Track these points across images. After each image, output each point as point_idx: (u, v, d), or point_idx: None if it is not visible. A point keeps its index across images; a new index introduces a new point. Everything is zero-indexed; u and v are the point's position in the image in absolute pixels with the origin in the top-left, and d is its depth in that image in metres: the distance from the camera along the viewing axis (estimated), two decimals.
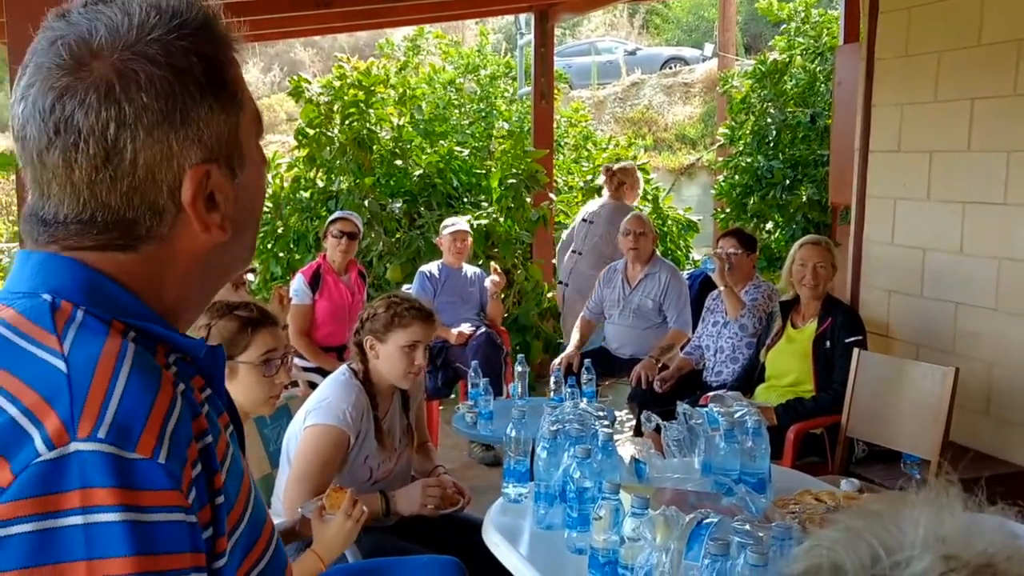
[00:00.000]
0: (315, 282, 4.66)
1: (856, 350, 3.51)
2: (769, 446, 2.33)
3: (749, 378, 3.97)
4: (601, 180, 6.26)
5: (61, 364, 0.73)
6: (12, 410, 0.71)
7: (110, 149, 0.77)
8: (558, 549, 2.13)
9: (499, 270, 5.29)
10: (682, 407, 2.48)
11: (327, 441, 2.47)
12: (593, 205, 6.15)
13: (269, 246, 6.57)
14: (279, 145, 12.48)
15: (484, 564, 2.32)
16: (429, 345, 2.68)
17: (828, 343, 3.61)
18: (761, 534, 1.68)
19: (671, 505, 1.87)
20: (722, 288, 4.31)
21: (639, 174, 6.24)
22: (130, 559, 0.68)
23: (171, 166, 0.79)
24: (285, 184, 6.71)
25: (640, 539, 1.72)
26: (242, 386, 2.17)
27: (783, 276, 3.93)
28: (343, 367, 2.69)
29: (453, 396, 5.37)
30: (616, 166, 6.10)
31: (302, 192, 6.63)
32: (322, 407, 2.52)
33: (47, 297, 0.78)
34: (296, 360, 4.57)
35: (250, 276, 5.52)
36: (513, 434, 2.42)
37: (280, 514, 2.51)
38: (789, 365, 3.77)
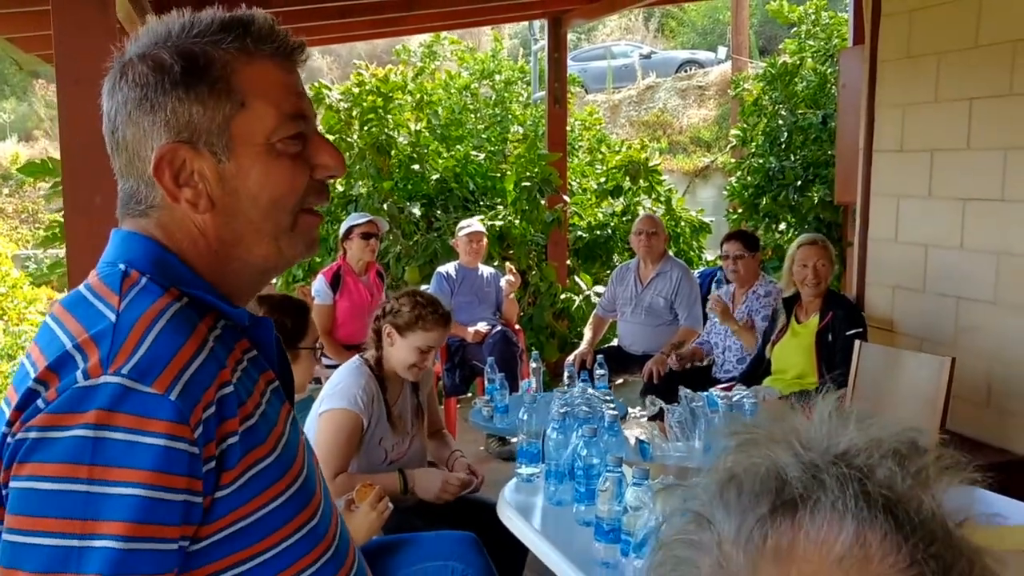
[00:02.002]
0: (335, 283, 4.81)
1: (857, 341, 3.63)
2: None
3: (755, 372, 4.10)
4: None
5: (112, 316, 0.94)
6: (68, 344, 0.91)
7: (113, 127, 1.01)
8: (568, 522, 2.28)
9: (514, 270, 5.43)
10: (684, 391, 2.61)
11: (342, 423, 2.65)
12: None
13: None
14: None
15: (498, 541, 2.49)
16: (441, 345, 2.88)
17: (830, 336, 3.73)
18: None
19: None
20: (732, 330, 4.42)
21: None
22: (136, 471, 0.86)
23: (147, 143, 0.99)
24: None
25: (641, 507, 1.86)
26: (300, 369, 2.39)
27: (784, 275, 4.05)
28: (355, 357, 2.87)
29: (471, 394, 5.51)
30: None
31: None
32: (335, 392, 2.71)
33: (122, 267, 0.99)
34: (320, 358, 4.73)
35: None
36: (526, 417, 2.57)
37: None
38: (794, 359, 3.89)
